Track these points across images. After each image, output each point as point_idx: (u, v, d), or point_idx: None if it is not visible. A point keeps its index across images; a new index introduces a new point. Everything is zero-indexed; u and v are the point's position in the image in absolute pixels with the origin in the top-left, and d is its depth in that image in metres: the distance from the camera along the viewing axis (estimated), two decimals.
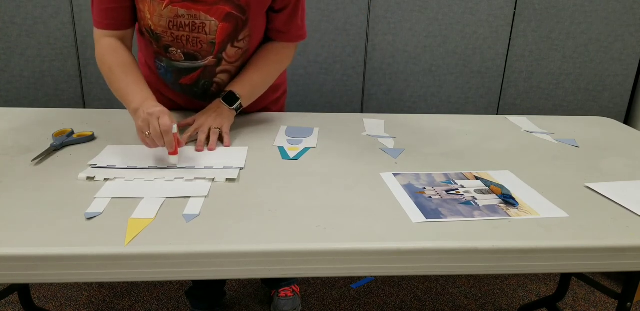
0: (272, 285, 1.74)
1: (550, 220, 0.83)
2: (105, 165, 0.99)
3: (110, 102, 2.06)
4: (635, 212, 0.87)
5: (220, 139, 1.14)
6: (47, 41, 1.96)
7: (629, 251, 0.78)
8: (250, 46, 1.23)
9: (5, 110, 1.36)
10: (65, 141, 1.10)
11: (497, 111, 2.21)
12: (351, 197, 0.89)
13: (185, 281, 1.82)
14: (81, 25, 1.95)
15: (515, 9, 2.04)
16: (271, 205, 0.85)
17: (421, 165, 1.06)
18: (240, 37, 1.19)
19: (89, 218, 0.79)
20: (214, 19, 1.13)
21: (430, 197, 0.90)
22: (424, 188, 0.94)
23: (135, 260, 0.71)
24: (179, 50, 1.18)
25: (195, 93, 1.29)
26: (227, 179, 0.94)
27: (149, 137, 0.98)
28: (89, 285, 1.82)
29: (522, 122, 1.43)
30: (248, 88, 1.23)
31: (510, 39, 2.09)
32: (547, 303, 1.71)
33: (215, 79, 1.25)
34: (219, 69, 1.23)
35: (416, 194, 0.91)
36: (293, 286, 1.72)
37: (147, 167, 0.99)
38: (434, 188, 0.95)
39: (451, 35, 2.07)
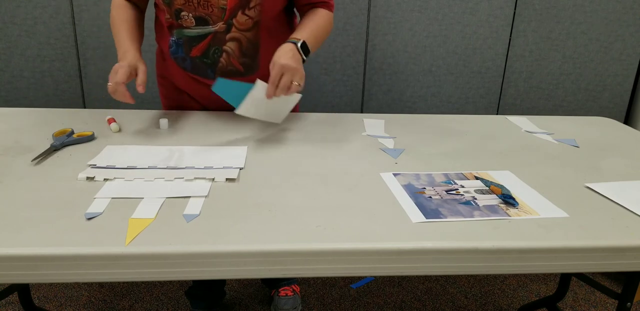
0: (272, 284, 1.74)
1: (550, 220, 0.83)
2: (105, 165, 0.99)
3: (110, 102, 2.06)
4: (635, 212, 0.87)
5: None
6: (47, 41, 1.96)
7: (629, 251, 0.78)
8: (261, 17, 1.24)
9: (5, 110, 1.36)
10: (65, 141, 1.10)
11: (497, 111, 2.21)
12: (351, 197, 0.89)
13: (185, 281, 1.82)
14: (81, 25, 1.95)
15: (515, 9, 2.04)
16: (271, 205, 0.85)
17: (421, 165, 1.06)
18: (252, 5, 1.20)
19: (89, 219, 0.79)
20: None
21: (430, 197, 0.90)
22: (424, 188, 0.94)
23: (135, 260, 0.71)
24: (190, 14, 1.21)
25: (205, 65, 1.30)
26: (227, 179, 0.95)
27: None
28: (89, 285, 1.82)
29: (522, 122, 1.43)
30: (313, 42, 1.21)
31: (510, 39, 2.09)
32: (547, 303, 1.71)
33: (225, 47, 1.26)
34: (228, 35, 1.24)
35: (416, 194, 0.92)
36: (293, 286, 1.72)
37: (146, 167, 0.99)
38: (434, 188, 0.95)
39: (451, 35, 2.07)
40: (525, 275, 1.97)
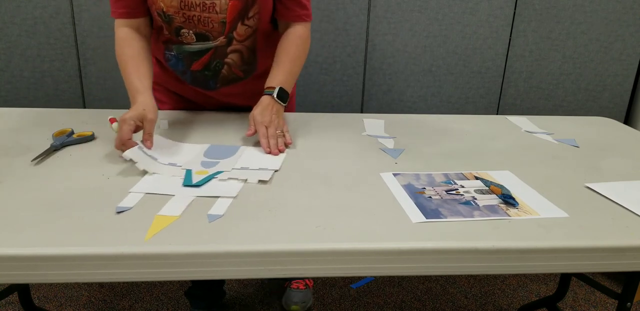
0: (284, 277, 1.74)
1: (550, 220, 0.83)
2: (149, 154, 1.01)
3: (110, 102, 2.06)
4: (635, 212, 0.87)
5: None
6: (47, 41, 1.96)
7: (629, 252, 0.78)
8: (259, 25, 1.24)
9: (5, 110, 1.36)
10: (65, 141, 1.10)
11: (497, 111, 2.21)
12: (351, 197, 0.89)
13: (185, 281, 1.82)
14: (81, 25, 1.95)
15: (515, 9, 2.04)
16: (271, 205, 0.85)
17: (421, 165, 1.06)
18: (250, 14, 1.20)
19: (119, 212, 0.80)
20: None
21: (430, 197, 0.90)
22: (424, 188, 0.94)
23: (135, 260, 0.71)
24: (190, 32, 1.20)
25: (206, 78, 1.30)
26: (259, 181, 0.94)
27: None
28: (89, 285, 1.82)
29: (522, 122, 1.43)
30: (290, 80, 1.24)
31: (510, 39, 2.09)
32: (547, 303, 1.71)
33: (227, 60, 1.27)
34: (229, 48, 1.25)
35: (416, 194, 0.92)
36: (307, 280, 1.73)
37: (182, 164, 1.01)
38: (434, 188, 0.95)
39: (451, 35, 2.06)
40: (525, 275, 1.98)
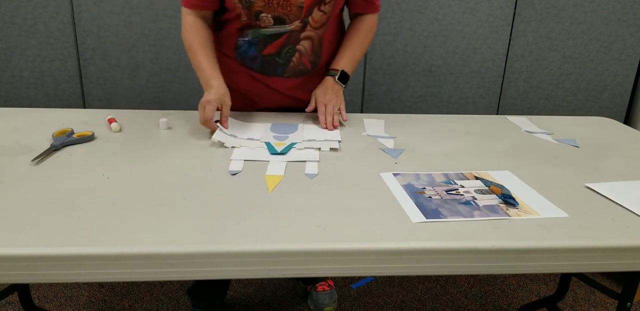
0: (308, 280, 1.78)
1: (550, 220, 0.83)
2: (229, 134, 1.18)
3: (110, 102, 2.06)
4: (635, 212, 0.87)
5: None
6: (47, 41, 1.96)
7: (629, 252, 0.78)
8: (333, 11, 1.30)
9: (5, 110, 1.36)
10: (65, 141, 1.10)
11: (497, 111, 2.21)
12: (351, 197, 0.89)
13: (186, 281, 1.82)
14: (81, 25, 1.95)
15: (515, 9, 2.04)
16: (271, 205, 0.85)
17: (421, 165, 1.06)
18: (327, 0, 1.26)
19: (233, 174, 0.97)
20: None
21: (430, 197, 0.90)
22: (424, 188, 0.94)
23: (135, 260, 0.71)
24: (269, 15, 1.25)
25: (276, 64, 1.33)
26: (330, 149, 1.13)
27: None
28: (89, 285, 1.82)
29: (522, 122, 1.43)
30: (353, 64, 1.38)
31: (510, 39, 2.09)
32: (547, 303, 1.71)
33: (298, 46, 1.31)
34: (303, 34, 1.30)
35: (416, 194, 0.92)
36: (329, 281, 1.77)
37: (259, 139, 1.18)
38: (434, 188, 0.95)
39: (451, 35, 2.06)
40: (525, 275, 1.97)
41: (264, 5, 1.23)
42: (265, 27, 1.27)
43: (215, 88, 1.21)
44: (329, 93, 1.33)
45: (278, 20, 1.26)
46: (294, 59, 1.33)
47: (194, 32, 1.28)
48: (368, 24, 1.38)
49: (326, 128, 1.27)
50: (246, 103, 1.42)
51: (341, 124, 1.32)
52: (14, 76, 2.00)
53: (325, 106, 1.31)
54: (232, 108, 1.40)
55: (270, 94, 1.40)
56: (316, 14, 1.27)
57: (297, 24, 1.27)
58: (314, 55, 1.34)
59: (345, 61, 1.36)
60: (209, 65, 1.25)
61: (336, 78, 1.34)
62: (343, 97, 1.36)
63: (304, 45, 1.31)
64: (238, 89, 1.40)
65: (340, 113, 1.32)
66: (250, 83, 1.38)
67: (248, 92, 1.41)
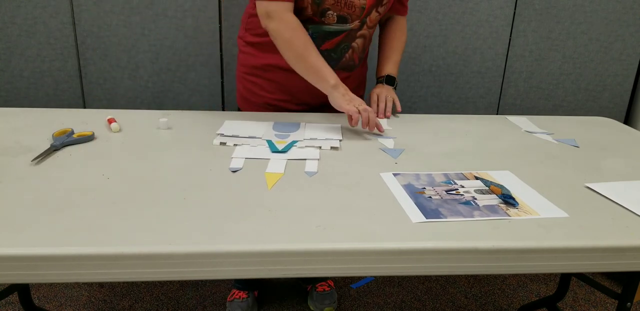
0: (308, 280, 1.79)
1: (550, 220, 0.83)
2: (230, 134, 1.19)
3: (110, 102, 2.06)
4: (635, 212, 0.87)
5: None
6: (47, 41, 1.96)
7: (629, 252, 0.78)
8: (384, 12, 1.40)
9: (5, 110, 1.36)
10: (65, 141, 1.10)
11: (497, 111, 2.21)
12: (351, 197, 0.89)
13: (186, 281, 1.82)
14: (81, 25, 1.94)
15: (515, 9, 2.04)
16: (271, 205, 0.85)
17: (421, 165, 1.06)
18: (384, 2, 1.36)
19: (234, 171, 0.98)
20: None
21: (430, 197, 0.90)
22: (424, 188, 0.94)
23: (135, 260, 0.71)
24: (334, 13, 1.30)
25: (330, 59, 1.37)
26: (331, 147, 1.14)
27: (361, 121, 1.25)
28: (89, 285, 1.82)
29: (522, 122, 1.43)
30: (396, 67, 1.52)
31: (510, 39, 2.09)
32: (547, 303, 1.71)
33: (353, 44, 1.39)
34: (359, 32, 1.38)
35: (416, 194, 0.92)
36: (329, 281, 1.77)
37: (261, 136, 1.19)
38: (434, 188, 0.95)
39: (451, 35, 2.06)
40: (525, 275, 1.97)
41: (333, 4, 1.29)
42: (329, 24, 1.32)
43: (350, 93, 1.27)
44: (382, 89, 1.44)
45: (341, 19, 1.32)
46: (347, 54, 1.40)
47: (300, 30, 1.26)
48: (402, 29, 1.51)
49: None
50: (285, 99, 1.43)
51: (393, 114, 1.42)
52: (14, 76, 2.00)
53: (378, 95, 1.42)
54: (271, 103, 1.46)
55: (314, 88, 1.36)
56: (373, 15, 1.36)
57: (356, 23, 1.34)
58: (362, 52, 1.43)
59: (390, 66, 1.49)
60: (327, 68, 1.27)
61: (384, 83, 1.46)
62: (395, 94, 1.46)
63: (357, 43, 1.39)
64: (282, 83, 1.41)
65: (393, 102, 1.41)
66: (299, 77, 1.35)
67: (293, 88, 1.41)
